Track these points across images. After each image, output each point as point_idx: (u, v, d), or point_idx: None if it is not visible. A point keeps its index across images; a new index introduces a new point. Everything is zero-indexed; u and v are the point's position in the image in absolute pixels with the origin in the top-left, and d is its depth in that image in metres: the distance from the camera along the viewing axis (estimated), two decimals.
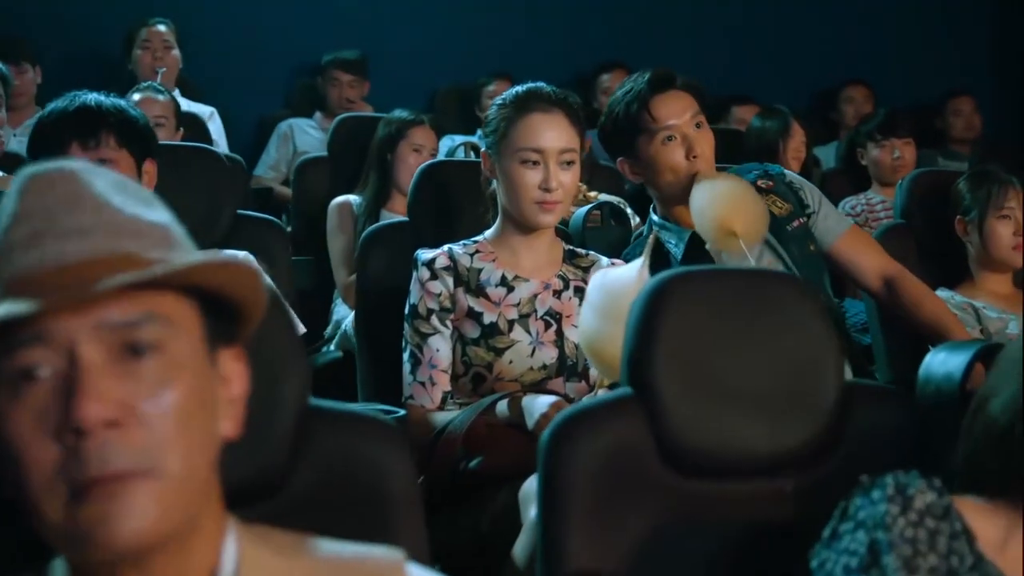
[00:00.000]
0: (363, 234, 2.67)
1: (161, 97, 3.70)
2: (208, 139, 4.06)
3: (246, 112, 5.26)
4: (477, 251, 2.35)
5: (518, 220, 2.31)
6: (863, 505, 1.22)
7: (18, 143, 4.03)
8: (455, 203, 2.64)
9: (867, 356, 2.97)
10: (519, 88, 2.35)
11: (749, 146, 4.19)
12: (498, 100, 2.36)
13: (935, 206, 3.01)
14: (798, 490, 1.42)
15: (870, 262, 2.63)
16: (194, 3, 5.15)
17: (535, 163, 2.25)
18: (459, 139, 4.39)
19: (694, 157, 2.42)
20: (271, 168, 4.92)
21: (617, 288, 1.90)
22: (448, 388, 2.29)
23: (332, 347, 3.36)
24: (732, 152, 4.23)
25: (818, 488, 1.41)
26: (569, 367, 2.28)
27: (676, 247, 2.49)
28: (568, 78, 5.64)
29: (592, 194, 3.61)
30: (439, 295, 2.29)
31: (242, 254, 2.36)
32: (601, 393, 2.06)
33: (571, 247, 2.44)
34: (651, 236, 2.26)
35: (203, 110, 4.72)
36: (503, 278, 2.32)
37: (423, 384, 2.28)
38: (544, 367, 2.27)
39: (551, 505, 1.37)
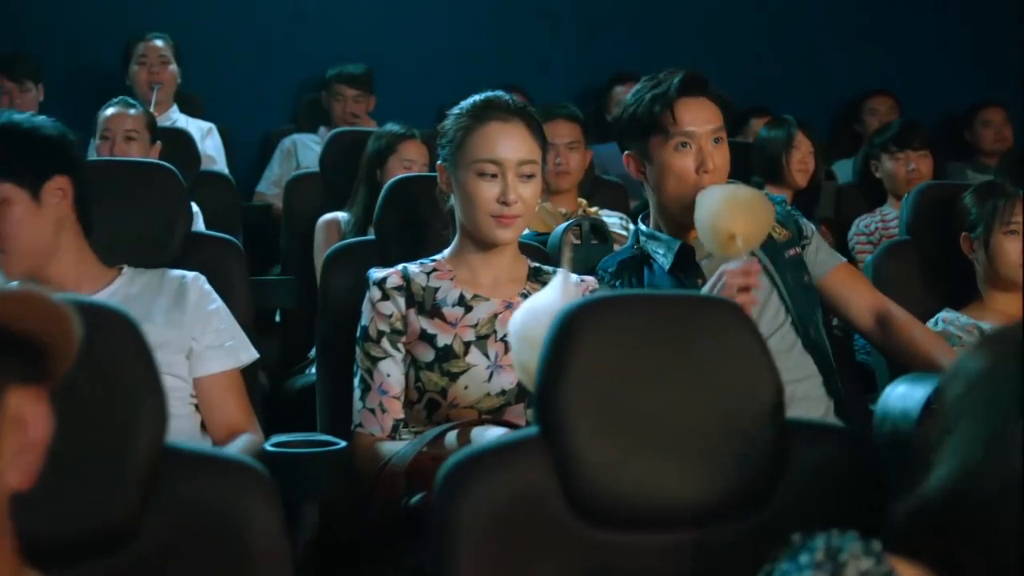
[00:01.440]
0: (326, 253, 2.54)
1: (132, 111, 3.60)
2: (196, 155, 3.97)
3: (252, 128, 5.17)
4: (435, 270, 2.22)
5: (475, 236, 2.18)
6: (789, 571, 1.06)
7: None
8: (424, 220, 2.50)
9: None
10: (477, 97, 2.21)
11: (754, 158, 4.02)
12: (455, 110, 2.22)
13: (943, 221, 2.84)
14: (728, 543, 1.25)
15: (861, 298, 2.49)
16: (199, 18, 5.08)
17: (492, 175, 2.12)
18: None
19: (704, 172, 2.29)
20: (273, 184, 4.81)
21: (539, 309, 1.77)
22: (400, 416, 2.16)
23: (314, 369, 3.24)
24: (739, 165, 4.08)
25: (751, 541, 1.24)
26: (531, 393, 2.13)
27: (664, 257, 2.36)
28: (580, 90, 5.52)
29: (593, 210, 3.48)
30: (390, 316, 2.16)
31: (191, 275, 2.24)
32: None
33: (537, 264, 2.30)
34: (567, 242, 2.10)
35: (201, 126, 4.64)
36: (461, 297, 2.18)
37: (372, 411, 2.15)
38: (503, 393, 2.12)
39: (443, 556, 1.22)
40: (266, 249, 4.07)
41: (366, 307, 2.19)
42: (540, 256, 2.60)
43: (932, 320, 2.67)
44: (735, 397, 1.28)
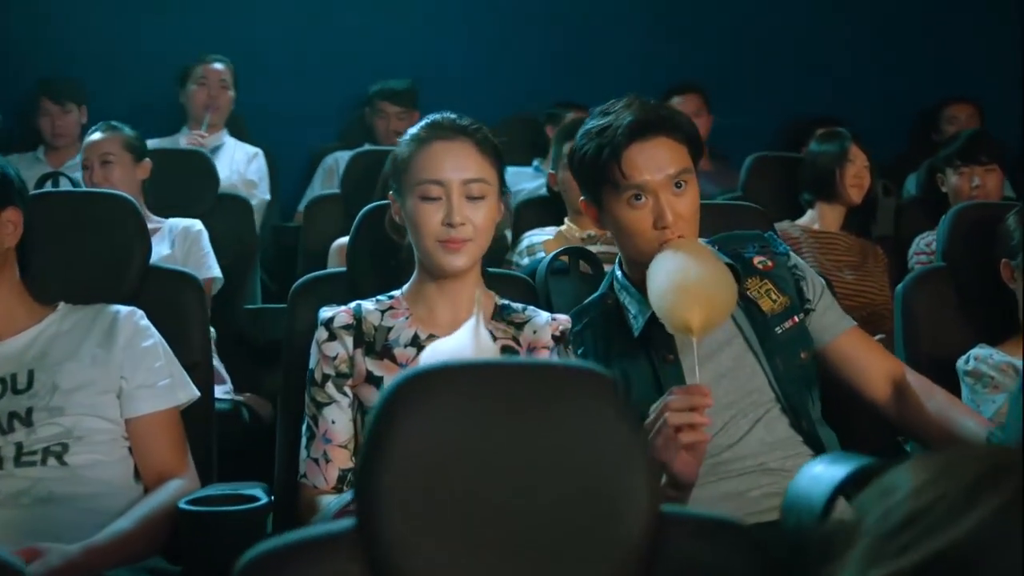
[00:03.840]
0: (293, 286, 2.38)
1: (106, 134, 3.48)
2: (214, 177, 3.86)
3: (298, 147, 5.09)
4: (391, 307, 2.05)
5: (427, 266, 2.02)
6: None
7: (64, 181, 3.92)
8: (399, 251, 2.33)
9: None
10: (426, 119, 2.05)
11: (804, 175, 3.75)
12: (405, 136, 2.06)
13: (982, 246, 2.55)
14: None
15: (875, 365, 2.16)
16: (243, 39, 5.01)
17: (436, 198, 1.95)
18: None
19: (663, 227, 1.99)
20: None
21: (442, 354, 1.58)
22: (348, 465, 1.99)
23: None
24: (790, 181, 3.82)
25: None
26: None
27: (635, 319, 2.08)
28: None
29: (597, 232, 3.23)
30: (335, 358, 2.00)
31: (126, 310, 2.12)
32: None
33: (506, 301, 2.11)
34: (480, 295, 1.86)
35: (248, 151, 4.58)
36: (414, 337, 2.01)
37: (316, 461, 1.99)
38: None
39: None
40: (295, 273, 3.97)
41: (313, 348, 2.04)
42: (524, 290, 2.41)
43: (964, 357, 2.40)
44: (598, 483, 1.07)
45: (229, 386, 3.16)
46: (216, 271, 3.39)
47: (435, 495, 1.05)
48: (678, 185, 2.00)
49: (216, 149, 4.52)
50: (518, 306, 2.10)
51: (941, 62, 5.42)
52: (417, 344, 2.00)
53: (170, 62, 4.77)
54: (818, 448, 2.07)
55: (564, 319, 2.09)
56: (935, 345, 2.51)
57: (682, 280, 1.87)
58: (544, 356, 2.02)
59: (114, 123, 3.47)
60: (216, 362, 3.24)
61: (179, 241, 3.34)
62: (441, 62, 5.12)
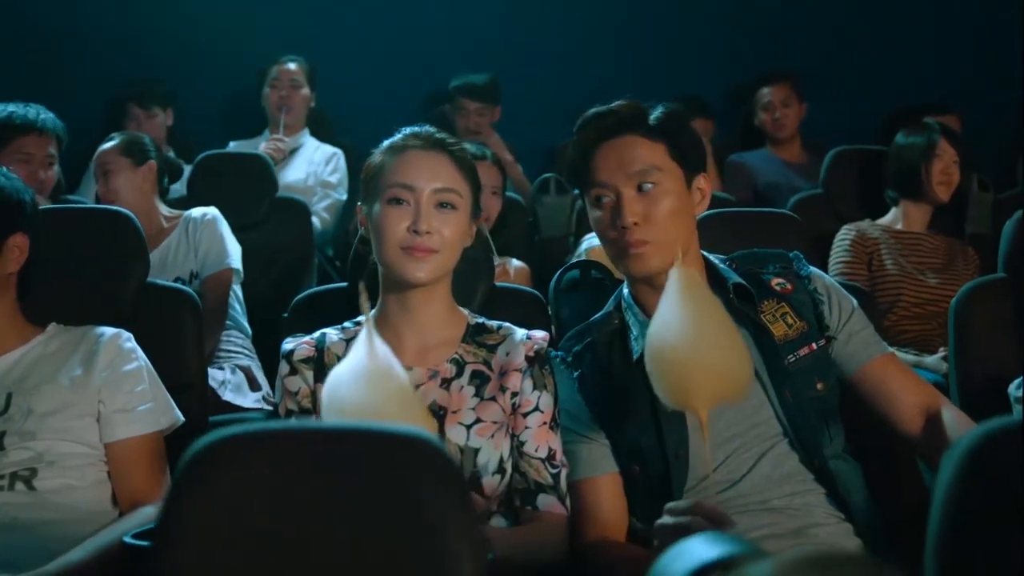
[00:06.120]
0: (293, 301, 2.31)
1: (106, 144, 3.39)
2: (272, 181, 3.80)
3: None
4: (356, 335, 1.94)
5: (391, 281, 1.91)
6: None
7: None
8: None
9: None
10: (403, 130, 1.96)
11: (889, 170, 3.49)
12: (380, 146, 1.97)
13: None
14: None
15: (908, 395, 1.93)
16: (325, 38, 4.98)
17: (404, 202, 1.85)
18: None
19: (622, 227, 1.86)
20: None
21: (340, 382, 1.49)
22: None
23: None
24: (875, 176, 3.56)
25: None
26: None
27: (636, 342, 1.93)
28: (725, 91, 5.08)
29: None
30: (296, 393, 1.90)
31: (111, 333, 2.08)
32: None
33: (481, 320, 1.98)
34: (363, 291, 1.71)
35: (327, 151, 4.54)
36: None
37: None
38: None
39: None
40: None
41: (277, 382, 1.96)
42: (534, 305, 2.28)
43: (1016, 382, 2.16)
44: (419, 550, 0.94)
45: (264, 392, 3.11)
46: (235, 262, 3.27)
47: (236, 572, 0.94)
48: (642, 188, 1.88)
49: (295, 151, 4.51)
50: (493, 324, 1.97)
51: None
52: None
53: (253, 62, 4.77)
54: (830, 486, 1.89)
55: (540, 337, 1.95)
56: (989, 364, 2.28)
57: (680, 351, 1.60)
58: (516, 379, 1.89)
59: (115, 134, 3.42)
60: (255, 369, 3.20)
61: (192, 230, 3.28)
62: (522, 55, 4.99)
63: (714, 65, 5.06)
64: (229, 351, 3.28)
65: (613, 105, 1.95)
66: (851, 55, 5.03)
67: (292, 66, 4.63)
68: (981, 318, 2.30)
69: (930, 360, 2.99)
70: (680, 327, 1.61)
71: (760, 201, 4.45)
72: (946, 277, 3.30)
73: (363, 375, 1.46)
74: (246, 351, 3.28)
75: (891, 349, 2.00)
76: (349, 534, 0.97)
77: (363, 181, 1.96)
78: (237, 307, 3.37)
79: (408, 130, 1.95)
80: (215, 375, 3.04)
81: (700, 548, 0.95)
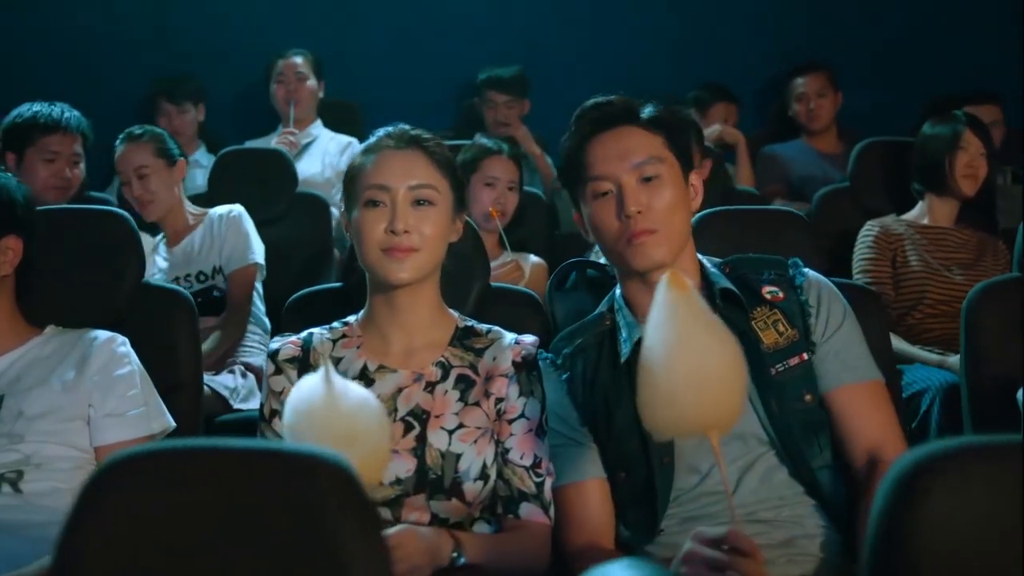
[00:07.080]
0: (287, 303, 2.29)
1: (127, 147, 3.34)
2: (292, 175, 3.79)
3: None
4: (344, 336, 1.93)
5: (374, 283, 1.89)
6: None
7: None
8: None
9: None
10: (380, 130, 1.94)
11: (913, 162, 3.40)
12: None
13: None
14: None
15: (864, 433, 1.83)
16: (353, 29, 4.97)
17: (381, 203, 1.84)
18: None
19: (627, 216, 1.82)
20: None
21: (302, 400, 1.48)
22: None
23: None
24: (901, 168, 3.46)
25: None
26: (432, 481, 1.80)
27: (624, 343, 1.88)
28: (761, 83, 5.00)
29: None
30: (280, 393, 1.88)
31: (105, 336, 2.08)
32: None
33: (471, 323, 1.95)
34: (327, 352, 1.69)
35: (341, 141, 4.53)
36: (363, 370, 1.89)
37: None
38: (398, 482, 1.81)
39: None
40: None
41: (263, 382, 1.94)
42: (530, 306, 2.25)
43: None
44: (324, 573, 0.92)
45: None
46: (258, 257, 3.28)
47: None
48: (647, 179, 1.85)
49: (309, 143, 4.50)
50: (482, 328, 1.95)
51: None
52: (366, 377, 1.87)
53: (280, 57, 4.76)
54: (820, 498, 1.83)
55: (529, 342, 1.92)
56: (1001, 367, 2.20)
57: (676, 379, 1.51)
58: (501, 385, 1.86)
59: (136, 130, 3.41)
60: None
61: (217, 227, 3.29)
62: (552, 47, 4.94)
63: (748, 55, 4.97)
64: (246, 346, 3.29)
65: (611, 96, 1.92)
66: (892, 40, 4.91)
67: (297, 59, 4.60)
68: (994, 318, 2.22)
69: (953, 360, 2.90)
70: (671, 356, 1.53)
71: (794, 193, 4.37)
72: (974, 273, 3.20)
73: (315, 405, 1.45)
74: (262, 347, 3.28)
75: (877, 375, 1.87)
76: (250, 554, 0.94)
77: (343, 186, 1.94)
78: (258, 302, 3.38)
79: (383, 130, 1.93)
80: (225, 382, 3.06)
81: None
